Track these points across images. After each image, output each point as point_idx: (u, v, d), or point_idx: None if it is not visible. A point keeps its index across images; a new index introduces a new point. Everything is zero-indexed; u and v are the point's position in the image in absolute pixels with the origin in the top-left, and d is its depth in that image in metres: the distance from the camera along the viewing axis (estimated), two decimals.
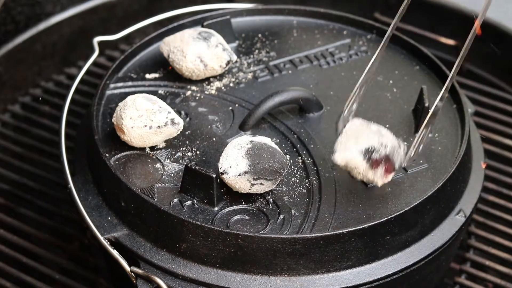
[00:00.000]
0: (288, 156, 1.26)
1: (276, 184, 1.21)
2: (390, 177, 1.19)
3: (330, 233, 1.15)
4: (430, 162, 1.27)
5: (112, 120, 1.27)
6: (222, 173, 1.18)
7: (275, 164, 1.18)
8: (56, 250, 1.48)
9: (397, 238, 1.19)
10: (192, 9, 1.54)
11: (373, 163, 1.17)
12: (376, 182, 1.19)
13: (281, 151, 1.21)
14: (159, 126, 1.25)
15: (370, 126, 1.19)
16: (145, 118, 1.24)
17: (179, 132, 1.27)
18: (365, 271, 1.18)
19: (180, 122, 1.27)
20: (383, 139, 1.18)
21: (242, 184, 1.19)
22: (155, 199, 1.21)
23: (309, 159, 1.27)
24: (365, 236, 1.17)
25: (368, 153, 1.17)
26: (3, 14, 1.69)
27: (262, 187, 1.19)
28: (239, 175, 1.18)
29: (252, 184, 1.19)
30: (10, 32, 1.71)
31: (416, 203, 1.19)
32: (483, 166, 1.33)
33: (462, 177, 1.28)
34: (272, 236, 1.15)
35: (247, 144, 1.19)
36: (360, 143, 1.17)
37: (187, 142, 1.29)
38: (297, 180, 1.24)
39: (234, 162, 1.18)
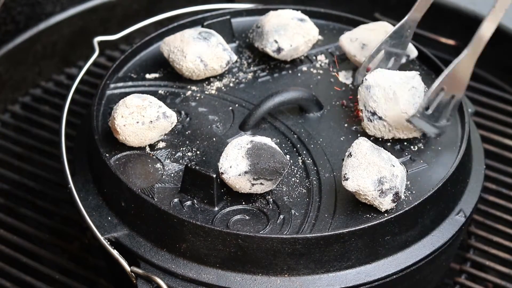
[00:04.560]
0: (288, 156, 1.26)
1: (276, 184, 1.21)
2: (394, 204, 1.19)
3: (330, 233, 1.15)
4: (430, 162, 1.27)
5: (108, 123, 1.27)
6: (222, 173, 1.18)
7: (275, 164, 1.18)
8: (56, 250, 1.48)
9: (397, 238, 1.19)
10: (192, 9, 1.54)
11: (383, 193, 1.17)
12: (380, 208, 1.19)
13: (281, 151, 1.21)
14: (151, 121, 1.25)
15: (381, 153, 1.19)
16: (136, 115, 1.24)
17: (173, 126, 1.27)
18: (365, 271, 1.18)
19: (172, 115, 1.26)
20: (394, 169, 1.18)
21: (242, 184, 1.19)
22: (155, 199, 1.21)
23: (309, 159, 1.27)
24: (365, 236, 1.17)
25: (380, 184, 1.17)
26: (3, 14, 1.69)
27: (262, 187, 1.19)
28: (239, 175, 1.18)
29: (252, 184, 1.19)
30: (10, 32, 1.71)
31: (416, 203, 1.19)
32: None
33: (462, 177, 1.28)
34: (272, 236, 1.15)
35: (247, 144, 1.19)
36: (372, 172, 1.18)
37: (187, 142, 1.29)
38: (297, 180, 1.24)
39: (234, 162, 1.18)
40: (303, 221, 1.19)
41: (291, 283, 1.16)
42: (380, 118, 1.27)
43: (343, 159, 1.20)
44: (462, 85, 1.27)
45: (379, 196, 1.17)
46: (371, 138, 1.29)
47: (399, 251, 1.20)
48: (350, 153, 1.19)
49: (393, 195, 1.18)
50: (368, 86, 1.28)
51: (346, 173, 1.18)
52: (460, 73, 1.26)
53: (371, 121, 1.28)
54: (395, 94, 1.26)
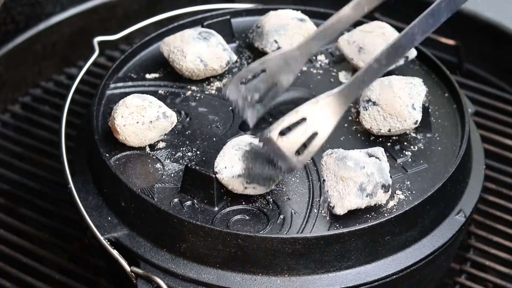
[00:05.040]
0: None
1: (270, 188, 1.21)
2: (389, 194, 1.19)
3: (330, 233, 1.15)
4: (430, 162, 1.27)
5: (108, 123, 1.27)
6: (216, 173, 1.18)
7: (269, 171, 1.17)
8: (56, 250, 1.48)
9: (397, 238, 1.19)
10: (192, 9, 1.54)
11: (371, 195, 1.17)
12: (382, 204, 1.19)
13: None
14: (151, 121, 1.25)
15: (346, 162, 1.18)
16: (136, 115, 1.24)
17: (173, 126, 1.27)
18: (365, 271, 1.18)
19: (172, 115, 1.26)
20: (366, 169, 1.17)
21: (235, 185, 1.18)
22: (155, 199, 1.21)
23: (309, 159, 1.27)
24: (365, 236, 1.17)
25: (363, 191, 1.17)
26: (3, 14, 1.69)
27: (255, 190, 1.19)
28: (233, 177, 1.18)
29: (245, 187, 1.18)
30: (10, 32, 1.71)
31: (416, 203, 1.19)
32: None
33: (462, 177, 1.28)
34: (272, 236, 1.15)
35: (246, 146, 1.19)
36: (349, 186, 1.17)
37: (187, 142, 1.29)
38: (297, 180, 1.24)
39: (230, 163, 1.18)
40: (303, 221, 1.19)
41: (291, 283, 1.16)
42: (374, 103, 1.27)
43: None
44: (327, 125, 1.15)
45: (370, 199, 1.17)
46: (371, 138, 1.29)
47: (399, 251, 1.20)
48: (323, 177, 1.19)
49: (381, 188, 1.18)
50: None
51: (329, 201, 1.18)
52: (328, 110, 1.15)
53: (366, 109, 1.28)
54: (390, 81, 1.28)
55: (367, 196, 1.17)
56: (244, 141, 1.20)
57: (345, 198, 1.17)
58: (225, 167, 1.18)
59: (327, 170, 1.18)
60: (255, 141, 1.20)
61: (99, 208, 1.24)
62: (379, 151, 1.20)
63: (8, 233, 1.47)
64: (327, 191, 1.18)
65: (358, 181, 1.17)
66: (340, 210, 1.17)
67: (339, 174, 1.17)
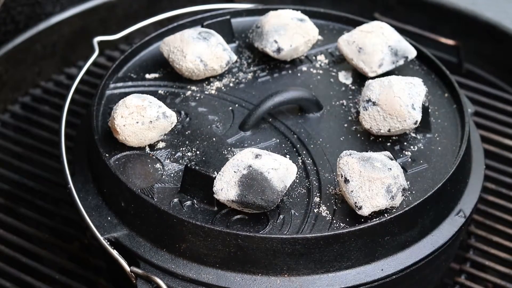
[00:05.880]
0: (288, 156, 1.26)
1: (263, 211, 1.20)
2: (403, 198, 1.20)
3: (329, 233, 1.15)
4: (430, 162, 1.27)
5: (108, 124, 1.27)
6: (214, 192, 1.18)
7: (261, 202, 1.16)
8: (56, 250, 1.48)
9: (397, 238, 1.19)
10: (192, 9, 1.54)
11: (393, 197, 1.17)
12: (393, 207, 1.20)
13: (275, 187, 1.17)
14: (151, 121, 1.25)
15: (373, 163, 1.18)
16: (136, 115, 1.24)
17: (173, 126, 1.27)
18: (365, 271, 1.18)
19: (172, 115, 1.26)
20: (393, 171, 1.18)
21: (231, 205, 1.18)
22: (155, 199, 1.21)
23: (309, 159, 1.27)
24: (365, 236, 1.17)
25: (389, 193, 1.17)
26: (3, 14, 1.69)
27: (250, 210, 1.18)
28: (228, 200, 1.17)
29: (241, 209, 1.18)
30: (10, 32, 1.71)
31: (416, 203, 1.19)
32: None
33: (462, 177, 1.28)
34: (272, 236, 1.15)
35: (244, 169, 1.17)
36: (377, 187, 1.17)
37: (187, 142, 1.29)
38: (297, 180, 1.24)
39: (226, 185, 1.16)
40: (303, 221, 1.19)
41: (291, 283, 1.16)
42: (374, 103, 1.27)
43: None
44: None
45: (392, 201, 1.17)
46: (371, 138, 1.29)
47: (399, 251, 1.20)
48: (345, 178, 1.18)
49: (401, 191, 1.18)
50: (368, 84, 1.28)
51: (356, 202, 1.17)
52: None
53: (366, 109, 1.28)
54: (390, 82, 1.28)
55: (391, 198, 1.17)
56: (245, 161, 1.18)
57: (373, 199, 1.17)
58: (222, 189, 1.17)
59: (350, 170, 1.18)
60: (255, 161, 1.18)
61: (99, 208, 1.24)
62: (390, 155, 1.21)
63: (8, 233, 1.47)
64: (352, 191, 1.17)
65: (386, 182, 1.17)
66: (366, 211, 1.17)
67: (366, 174, 1.17)
